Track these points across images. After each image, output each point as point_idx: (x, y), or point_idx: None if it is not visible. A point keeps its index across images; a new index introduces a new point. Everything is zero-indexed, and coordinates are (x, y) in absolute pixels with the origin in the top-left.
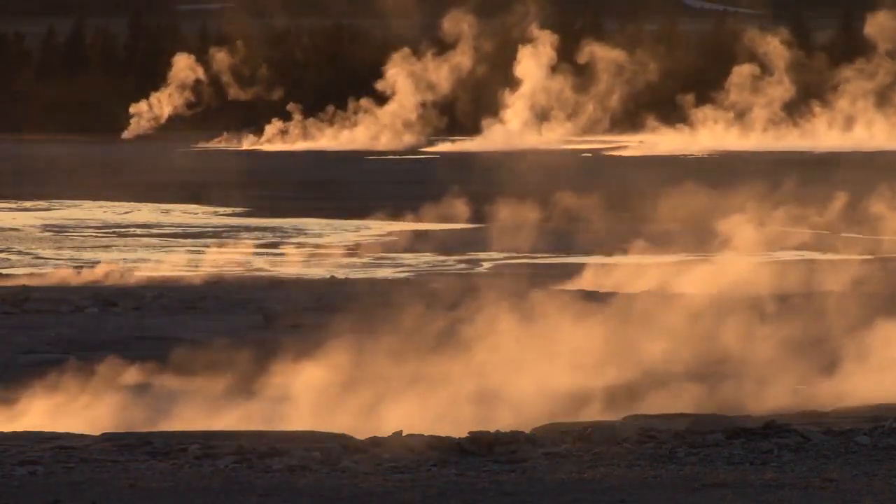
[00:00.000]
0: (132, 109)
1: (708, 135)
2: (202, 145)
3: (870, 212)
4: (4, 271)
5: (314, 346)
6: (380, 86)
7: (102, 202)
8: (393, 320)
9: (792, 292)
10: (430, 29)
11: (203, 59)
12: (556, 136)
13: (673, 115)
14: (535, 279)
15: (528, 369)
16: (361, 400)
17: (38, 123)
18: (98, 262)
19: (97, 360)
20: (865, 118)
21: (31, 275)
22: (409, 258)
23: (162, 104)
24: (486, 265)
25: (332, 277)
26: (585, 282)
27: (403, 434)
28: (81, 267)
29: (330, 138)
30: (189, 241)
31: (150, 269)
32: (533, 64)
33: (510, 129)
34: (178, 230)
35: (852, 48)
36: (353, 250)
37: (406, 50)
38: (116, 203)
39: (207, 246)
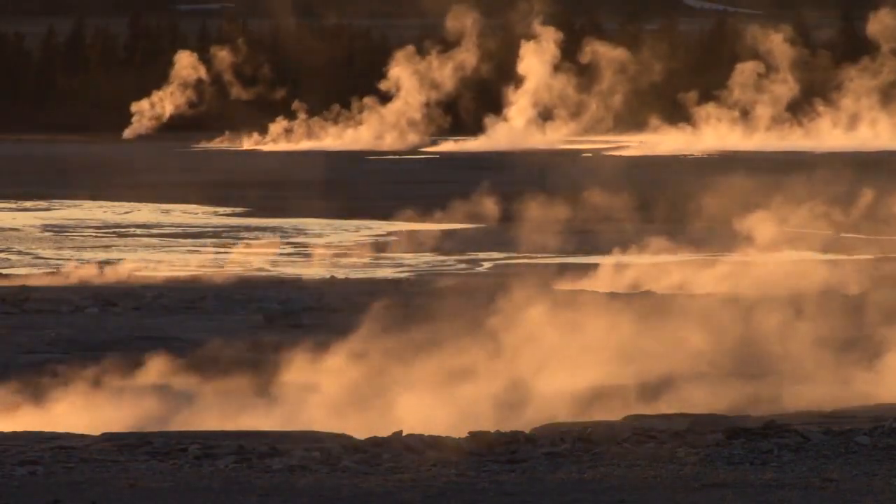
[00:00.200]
0: (133, 108)
1: (711, 134)
2: (203, 145)
3: (891, 212)
4: (4, 271)
5: (314, 346)
6: (383, 85)
7: (102, 202)
8: (392, 321)
9: (820, 291)
10: (430, 29)
11: (205, 57)
12: (560, 136)
13: (676, 114)
14: (545, 279)
15: (531, 369)
16: (373, 400)
17: (38, 123)
18: (98, 262)
19: (97, 360)
20: (869, 117)
21: (31, 275)
22: (408, 258)
23: (164, 103)
24: (487, 265)
25: (332, 277)
26: (595, 282)
27: (403, 434)
28: (81, 267)
29: (334, 137)
30: (189, 241)
31: (150, 269)
32: (536, 61)
33: (513, 128)
34: (178, 230)
35: (853, 48)
36: (352, 250)
37: (409, 48)
38: (116, 203)
39: (207, 246)
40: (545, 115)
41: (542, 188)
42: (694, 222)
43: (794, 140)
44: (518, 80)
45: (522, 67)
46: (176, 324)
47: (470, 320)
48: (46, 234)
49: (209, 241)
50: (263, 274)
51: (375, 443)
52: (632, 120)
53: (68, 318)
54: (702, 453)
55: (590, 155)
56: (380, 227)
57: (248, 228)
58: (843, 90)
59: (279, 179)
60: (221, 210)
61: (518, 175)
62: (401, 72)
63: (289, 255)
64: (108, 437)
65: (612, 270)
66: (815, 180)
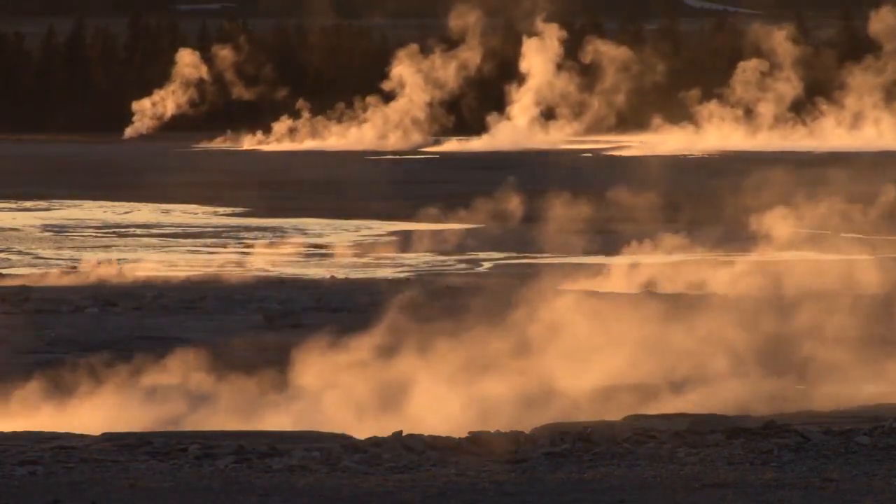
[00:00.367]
0: (135, 106)
1: (714, 133)
2: (203, 145)
3: None
4: (4, 271)
5: (315, 346)
6: (386, 85)
7: (102, 202)
8: (392, 321)
9: (845, 291)
10: (430, 28)
11: (205, 56)
12: (563, 136)
13: (679, 113)
14: (545, 279)
15: (544, 370)
16: (382, 400)
17: (38, 123)
18: (98, 262)
19: (97, 360)
20: (873, 116)
21: (31, 275)
22: (409, 258)
23: (165, 102)
24: (487, 265)
25: (332, 277)
26: (611, 281)
27: (403, 434)
28: (81, 267)
29: (338, 137)
30: (189, 241)
31: (150, 269)
32: (539, 58)
33: (516, 126)
34: (178, 230)
35: (854, 48)
36: (352, 250)
37: (412, 47)
38: (116, 203)
39: (207, 246)
40: (548, 115)
41: (547, 188)
42: (712, 222)
43: (797, 139)
44: (520, 78)
45: (525, 64)
46: (176, 324)
47: (481, 319)
48: (46, 234)
49: (209, 241)
50: (263, 274)
51: (375, 443)
52: (634, 119)
53: (68, 318)
54: (702, 453)
55: (590, 155)
56: (380, 226)
57: (248, 228)
58: (846, 89)
59: (279, 179)
60: (221, 210)
61: (522, 175)
62: (404, 70)
63: (289, 255)
64: (108, 437)
65: (632, 270)
66: (823, 180)
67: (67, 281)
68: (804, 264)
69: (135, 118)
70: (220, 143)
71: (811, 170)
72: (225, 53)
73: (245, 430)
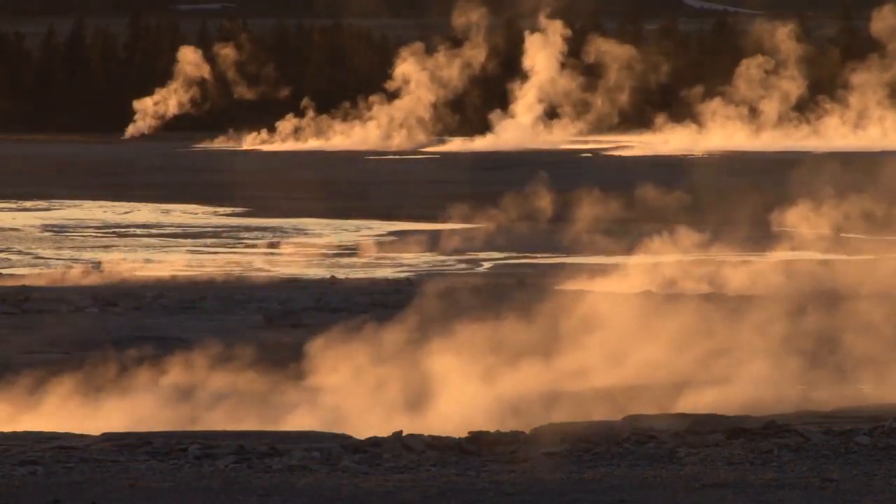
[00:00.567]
0: (136, 105)
1: (718, 132)
2: (203, 145)
3: None
4: (4, 271)
5: (315, 346)
6: (389, 85)
7: (102, 202)
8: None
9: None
10: (430, 27)
11: (207, 56)
12: (567, 135)
13: (682, 112)
14: (545, 279)
15: (548, 371)
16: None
17: (38, 123)
18: (98, 262)
19: (97, 360)
20: (877, 115)
21: (31, 275)
22: (408, 258)
23: (168, 100)
24: (487, 265)
25: (332, 277)
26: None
27: (403, 434)
28: (81, 267)
29: (343, 136)
30: (189, 241)
31: (150, 269)
32: (542, 55)
33: (520, 126)
34: (178, 230)
35: (854, 47)
36: (353, 250)
37: (416, 45)
38: (116, 203)
39: (207, 246)
40: (551, 114)
41: (552, 188)
42: (731, 223)
43: (801, 139)
44: (524, 75)
45: (528, 60)
46: (176, 324)
47: (482, 319)
48: (46, 234)
49: (209, 241)
50: (263, 274)
51: (375, 443)
52: (637, 118)
53: (68, 318)
54: (702, 453)
55: (590, 155)
56: (380, 226)
57: (248, 228)
58: (850, 88)
59: (280, 179)
60: (221, 210)
61: (526, 174)
62: (408, 68)
63: (289, 255)
64: (108, 437)
65: (647, 270)
66: (829, 180)
67: (67, 281)
68: (821, 264)
69: (136, 117)
70: (220, 143)
71: (820, 169)
72: (227, 52)
73: (245, 430)
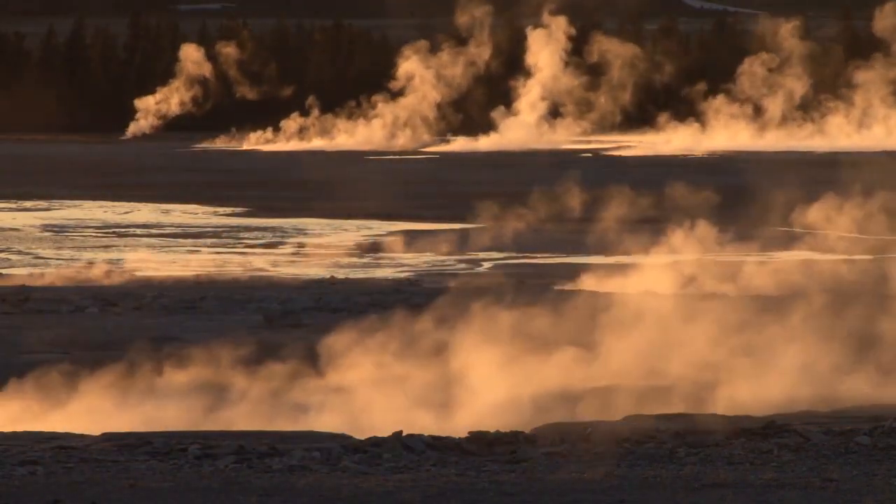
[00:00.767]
0: (138, 104)
1: (721, 132)
2: (204, 145)
3: None
4: (4, 271)
5: (315, 346)
6: (392, 84)
7: (102, 202)
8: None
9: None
10: (432, 27)
11: (208, 55)
12: (571, 134)
13: (685, 111)
14: (546, 279)
15: (548, 371)
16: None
17: (38, 123)
18: (98, 262)
19: (97, 360)
20: (881, 115)
21: (31, 275)
22: (408, 258)
23: (169, 99)
24: (486, 265)
25: (332, 277)
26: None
27: (403, 434)
28: (81, 267)
29: (346, 136)
30: (189, 241)
31: (150, 269)
32: (546, 52)
33: (524, 124)
34: (178, 230)
35: (855, 47)
36: (353, 250)
37: (420, 44)
38: (116, 203)
39: (207, 246)
40: (554, 112)
41: (554, 188)
42: (741, 224)
43: (805, 139)
44: (527, 72)
45: (531, 57)
46: (176, 324)
47: (482, 319)
48: (46, 234)
49: (209, 241)
50: (263, 274)
51: (375, 443)
52: (640, 117)
53: (68, 318)
54: (702, 453)
55: (590, 155)
56: (380, 226)
57: (248, 228)
58: (853, 87)
59: (279, 179)
60: (221, 210)
61: (529, 174)
62: (412, 67)
63: (289, 255)
64: (108, 437)
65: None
66: (832, 180)
67: (67, 281)
68: (829, 264)
69: (138, 115)
70: (221, 143)
71: (826, 170)
72: (228, 51)
73: (245, 430)
